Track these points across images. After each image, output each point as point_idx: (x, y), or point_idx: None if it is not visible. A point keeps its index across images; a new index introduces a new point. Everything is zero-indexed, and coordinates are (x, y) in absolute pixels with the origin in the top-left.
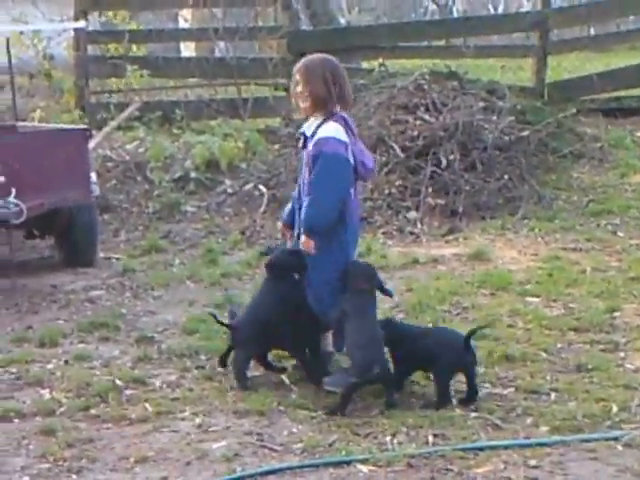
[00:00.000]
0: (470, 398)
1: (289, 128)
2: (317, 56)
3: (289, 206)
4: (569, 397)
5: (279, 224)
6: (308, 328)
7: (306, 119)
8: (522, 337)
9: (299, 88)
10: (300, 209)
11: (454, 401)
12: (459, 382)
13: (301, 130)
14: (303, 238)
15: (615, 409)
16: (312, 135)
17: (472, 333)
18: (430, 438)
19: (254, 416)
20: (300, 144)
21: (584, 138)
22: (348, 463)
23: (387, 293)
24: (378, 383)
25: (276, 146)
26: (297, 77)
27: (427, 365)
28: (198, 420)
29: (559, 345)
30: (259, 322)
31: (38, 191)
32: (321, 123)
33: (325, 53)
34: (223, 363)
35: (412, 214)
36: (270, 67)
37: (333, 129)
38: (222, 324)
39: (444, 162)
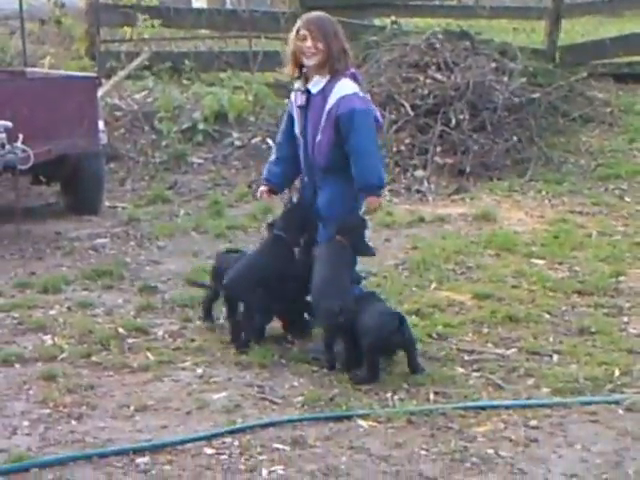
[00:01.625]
0: (414, 371)
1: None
2: (320, 13)
3: (273, 167)
4: (571, 359)
5: (262, 187)
6: (296, 290)
7: (300, 78)
8: (526, 298)
9: (308, 43)
10: (300, 170)
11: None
12: (463, 341)
13: (301, 87)
14: (373, 198)
15: (617, 373)
16: (321, 93)
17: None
18: (431, 396)
19: (255, 368)
20: (300, 101)
21: (594, 102)
22: (348, 418)
23: (365, 252)
24: (344, 333)
25: (285, 100)
26: (306, 32)
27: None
28: (199, 370)
29: (563, 307)
30: (254, 280)
31: (46, 137)
32: (331, 81)
33: (339, 9)
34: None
35: (420, 172)
36: (282, 21)
37: (351, 86)
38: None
39: (453, 121)
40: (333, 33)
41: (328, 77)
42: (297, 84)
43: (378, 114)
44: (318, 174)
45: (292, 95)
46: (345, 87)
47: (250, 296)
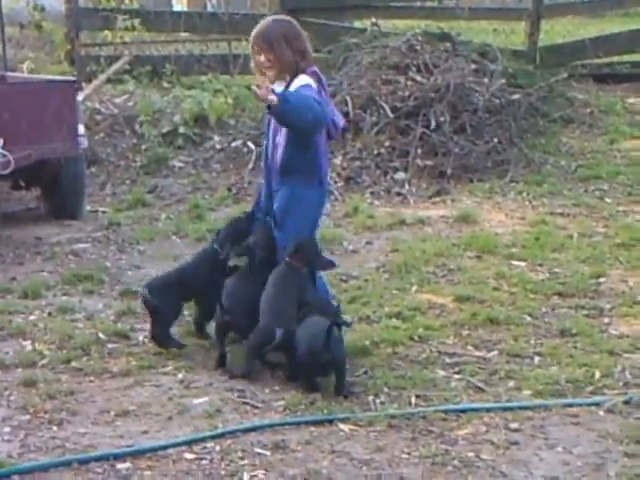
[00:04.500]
0: (337, 393)
1: None
2: (269, 20)
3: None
4: (552, 361)
5: None
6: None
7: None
8: (507, 300)
9: (262, 57)
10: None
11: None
12: (444, 344)
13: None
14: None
15: (598, 375)
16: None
17: (331, 327)
18: (412, 399)
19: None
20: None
21: (575, 103)
22: (330, 422)
23: (325, 266)
24: (280, 351)
25: None
26: (256, 47)
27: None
28: (180, 375)
29: (543, 309)
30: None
31: (26, 142)
32: (291, 80)
33: (318, 11)
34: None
35: (400, 175)
36: None
37: (306, 80)
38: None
39: (434, 123)
40: (283, 40)
41: (288, 80)
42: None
43: (337, 118)
44: (275, 177)
45: None
46: (300, 81)
47: (163, 302)
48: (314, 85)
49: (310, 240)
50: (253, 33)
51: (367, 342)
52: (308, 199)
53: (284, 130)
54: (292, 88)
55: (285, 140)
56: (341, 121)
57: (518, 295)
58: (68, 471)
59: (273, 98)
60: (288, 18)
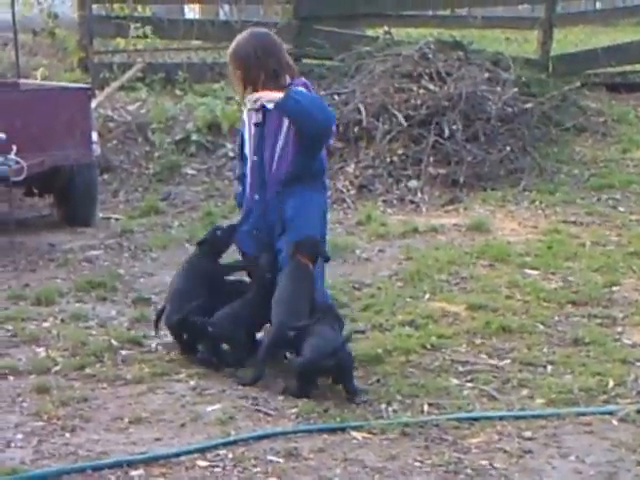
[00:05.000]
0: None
1: None
2: (244, 35)
3: (238, 187)
4: (565, 370)
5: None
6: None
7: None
8: (520, 309)
9: (238, 75)
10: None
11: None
12: (457, 352)
13: (255, 105)
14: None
15: (611, 384)
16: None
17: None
18: (425, 407)
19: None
20: (256, 119)
21: (587, 112)
22: (342, 430)
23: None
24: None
25: None
26: (231, 66)
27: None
28: (193, 382)
29: (557, 318)
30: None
31: (39, 149)
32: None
33: (331, 19)
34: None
35: (413, 183)
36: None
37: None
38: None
39: (447, 132)
40: (262, 55)
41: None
42: (249, 104)
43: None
44: (275, 187)
45: (245, 115)
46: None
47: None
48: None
49: (310, 235)
50: (228, 52)
51: (380, 350)
52: (317, 203)
53: (285, 140)
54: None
55: (293, 149)
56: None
57: (531, 304)
58: (81, 478)
59: (275, 96)
60: (264, 31)
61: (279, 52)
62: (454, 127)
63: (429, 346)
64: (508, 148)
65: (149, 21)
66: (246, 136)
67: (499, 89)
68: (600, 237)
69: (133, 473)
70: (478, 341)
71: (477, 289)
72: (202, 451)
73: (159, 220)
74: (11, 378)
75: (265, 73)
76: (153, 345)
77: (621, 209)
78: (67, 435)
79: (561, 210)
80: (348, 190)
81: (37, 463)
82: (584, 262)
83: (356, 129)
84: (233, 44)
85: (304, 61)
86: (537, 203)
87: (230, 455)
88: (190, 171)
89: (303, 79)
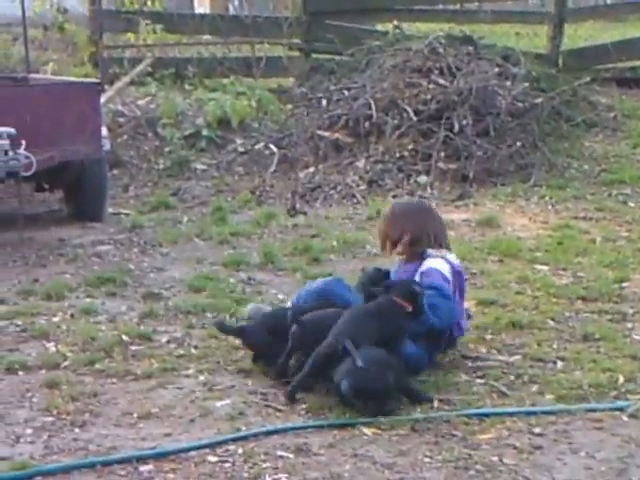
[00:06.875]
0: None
1: (301, 88)
2: (408, 201)
3: None
4: (575, 366)
5: None
6: None
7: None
8: (530, 305)
9: (391, 231)
10: None
11: None
12: (467, 348)
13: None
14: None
15: (621, 379)
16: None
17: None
18: (435, 403)
19: (259, 375)
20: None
21: (598, 107)
22: (352, 425)
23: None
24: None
25: (288, 106)
26: (388, 221)
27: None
28: (203, 378)
29: (567, 314)
30: None
31: (48, 144)
32: (420, 262)
33: (341, 14)
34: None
35: (423, 178)
36: (285, 26)
37: (438, 262)
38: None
39: (457, 127)
40: (414, 221)
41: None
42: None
43: (464, 322)
44: None
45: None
46: (432, 262)
47: None
48: (444, 269)
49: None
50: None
51: None
52: None
53: None
54: (425, 266)
55: None
56: (465, 323)
57: (541, 299)
58: (91, 473)
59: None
60: (419, 201)
61: (438, 223)
62: (464, 122)
63: None
64: (518, 143)
65: (159, 16)
66: None
67: (509, 84)
68: (610, 232)
69: (143, 468)
70: (488, 337)
71: (487, 285)
72: (212, 446)
73: (169, 215)
74: (21, 373)
75: (419, 240)
76: (163, 340)
77: (631, 204)
78: (77, 430)
79: (571, 205)
80: (358, 185)
81: (47, 458)
82: (594, 258)
83: (366, 124)
84: (395, 204)
85: (314, 56)
86: (547, 198)
87: (240, 450)
88: (200, 166)
89: (450, 259)
